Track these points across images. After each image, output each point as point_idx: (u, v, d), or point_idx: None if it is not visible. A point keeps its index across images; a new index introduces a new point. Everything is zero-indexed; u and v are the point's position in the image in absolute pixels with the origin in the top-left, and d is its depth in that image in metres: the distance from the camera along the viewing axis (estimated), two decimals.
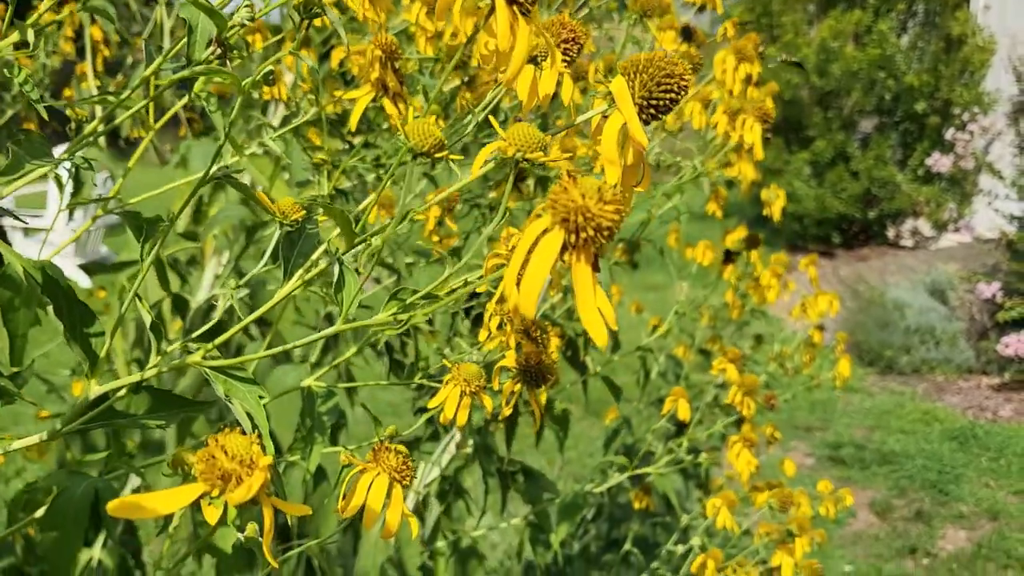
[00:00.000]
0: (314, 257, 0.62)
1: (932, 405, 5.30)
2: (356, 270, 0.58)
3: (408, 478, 0.64)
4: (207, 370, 0.61)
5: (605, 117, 0.56)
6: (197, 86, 0.83)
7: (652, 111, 0.55)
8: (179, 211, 0.68)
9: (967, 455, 4.61)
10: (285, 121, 1.82)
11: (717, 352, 2.30)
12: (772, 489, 1.77)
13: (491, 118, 0.62)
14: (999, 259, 6.31)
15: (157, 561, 0.73)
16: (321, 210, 0.65)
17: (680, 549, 1.94)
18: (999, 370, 5.67)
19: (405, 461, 0.64)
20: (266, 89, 1.40)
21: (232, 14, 0.67)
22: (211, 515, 0.47)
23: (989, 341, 5.82)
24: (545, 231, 0.46)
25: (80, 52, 2.13)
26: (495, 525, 1.94)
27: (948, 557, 3.68)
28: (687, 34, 1.55)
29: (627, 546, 2.23)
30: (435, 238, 1.33)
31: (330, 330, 0.60)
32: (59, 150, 0.88)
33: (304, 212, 0.69)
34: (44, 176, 0.73)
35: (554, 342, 1.49)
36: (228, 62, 0.65)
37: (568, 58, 0.67)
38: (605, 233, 0.45)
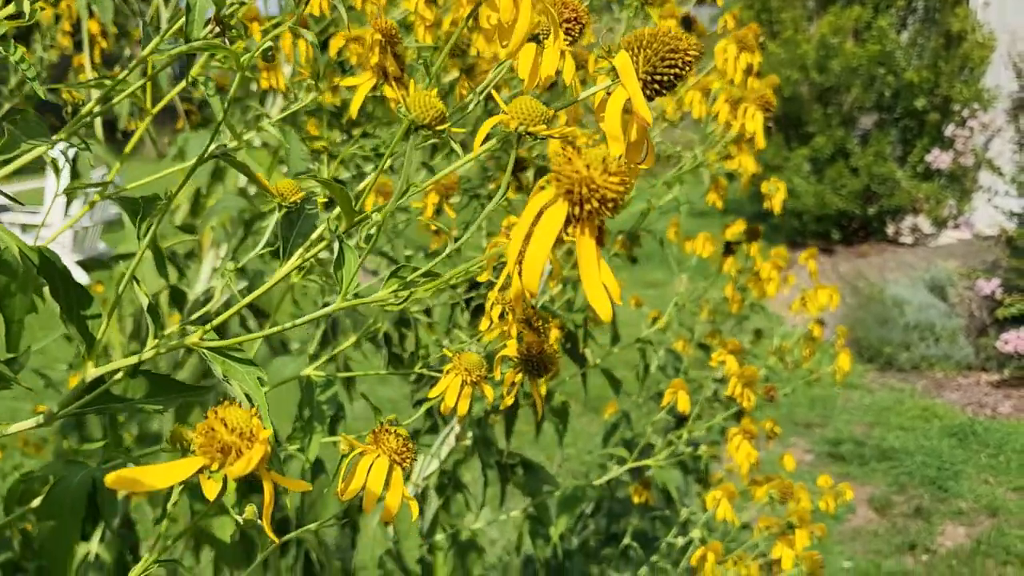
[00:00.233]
0: (313, 237, 0.62)
1: (931, 401, 5.29)
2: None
3: (408, 460, 0.63)
4: (205, 351, 0.61)
5: (608, 93, 0.55)
6: (195, 69, 0.82)
7: (656, 86, 0.54)
8: (176, 190, 0.68)
9: (966, 451, 4.61)
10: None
11: (717, 346, 2.29)
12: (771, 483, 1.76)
13: (493, 92, 0.61)
14: (998, 255, 6.30)
15: (152, 545, 0.72)
16: (320, 188, 0.64)
17: (680, 542, 1.94)
18: (998, 366, 5.67)
19: (405, 443, 0.63)
20: (263, 78, 1.39)
21: None
22: (210, 490, 0.46)
23: (988, 338, 5.82)
24: (548, 204, 0.45)
25: (78, 46, 2.12)
26: (494, 519, 1.93)
27: (947, 553, 3.68)
28: (687, 24, 1.54)
29: (626, 540, 2.22)
30: (432, 227, 1.32)
31: (330, 307, 0.59)
32: (57, 147, 0.87)
33: (303, 194, 0.69)
34: (42, 170, 0.72)
35: (554, 333, 1.48)
36: (227, 41, 0.64)
37: (570, 37, 0.66)
38: (610, 205, 0.44)
